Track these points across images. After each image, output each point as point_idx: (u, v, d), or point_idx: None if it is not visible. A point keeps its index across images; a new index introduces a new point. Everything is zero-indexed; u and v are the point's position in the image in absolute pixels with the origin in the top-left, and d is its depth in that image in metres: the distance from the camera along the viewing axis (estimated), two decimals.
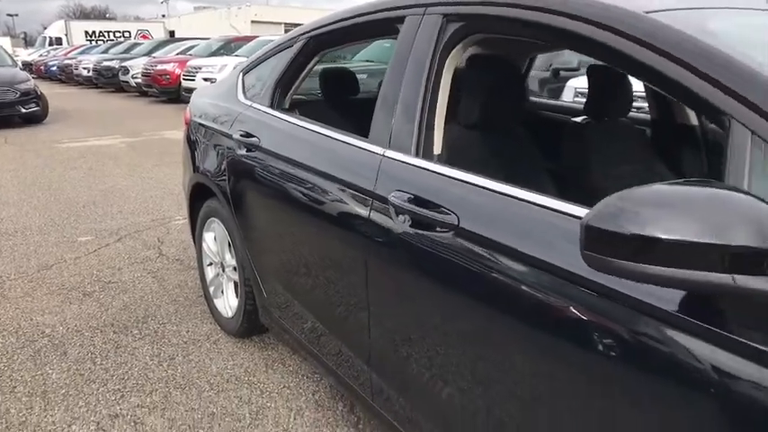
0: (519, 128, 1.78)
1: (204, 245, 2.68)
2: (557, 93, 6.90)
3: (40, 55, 25.65)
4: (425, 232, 1.30)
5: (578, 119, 2.26)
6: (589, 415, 1.00)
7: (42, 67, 22.08)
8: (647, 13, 1.07)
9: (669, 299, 0.86)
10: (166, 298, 2.99)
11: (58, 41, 30.72)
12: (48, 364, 2.36)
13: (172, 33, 33.97)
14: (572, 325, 1.01)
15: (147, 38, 27.95)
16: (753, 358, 0.77)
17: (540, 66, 7.67)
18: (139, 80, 13.82)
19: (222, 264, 2.57)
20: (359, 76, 2.92)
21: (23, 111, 9.25)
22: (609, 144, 2.01)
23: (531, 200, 1.12)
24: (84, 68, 17.59)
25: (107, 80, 16.20)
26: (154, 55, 15.26)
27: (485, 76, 1.67)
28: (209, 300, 2.75)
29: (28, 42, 48.21)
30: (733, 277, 0.71)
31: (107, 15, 68.79)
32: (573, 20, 1.16)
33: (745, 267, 0.71)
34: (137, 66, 14.29)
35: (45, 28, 39.89)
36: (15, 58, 12.64)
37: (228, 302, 2.56)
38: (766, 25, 1.25)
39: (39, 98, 9.57)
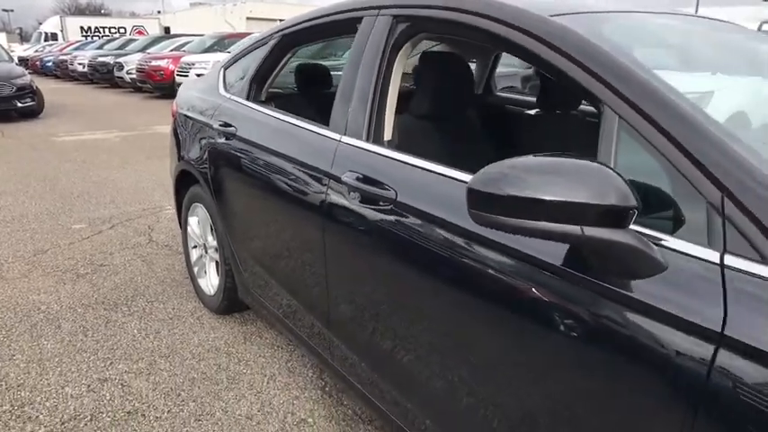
0: (470, 118, 1.98)
1: (189, 228, 2.88)
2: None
3: (36, 50, 25.72)
4: (371, 206, 1.50)
5: (531, 112, 2.46)
6: (503, 352, 1.20)
7: (38, 63, 22.17)
8: (551, 16, 1.27)
9: (549, 251, 1.06)
10: (154, 279, 3.18)
11: (54, 37, 30.77)
12: (43, 336, 2.56)
13: (167, 30, 34.06)
14: (482, 278, 1.20)
15: (143, 34, 28.05)
16: (606, 296, 0.98)
17: (525, 64, 7.84)
18: (134, 76, 13.97)
19: (205, 245, 2.77)
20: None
21: (20, 105, 9.40)
22: (556, 134, 2.21)
23: (454, 176, 1.32)
24: (80, 64, 17.71)
25: (102, 76, 16.33)
26: (148, 51, 15.40)
27: (433, 71, 1.88)
28: (193, 280, 2.94)
29: (23, 38, 48.16)
30: (582, 228, 0.91)
31: (102, 11, 68.68)
32: (493, 21, 1.36)
33: (593, 220, 0.90)
34: (131, 62, 14.43)
35: (40, 24, 39.88)
36: (11, 54, 12.79)
37: (211, 281, 2.75)
38: (658, 26, 1.45)
39: (34, 93, 9.72)
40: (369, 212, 1.50)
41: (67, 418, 1.99)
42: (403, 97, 1.97)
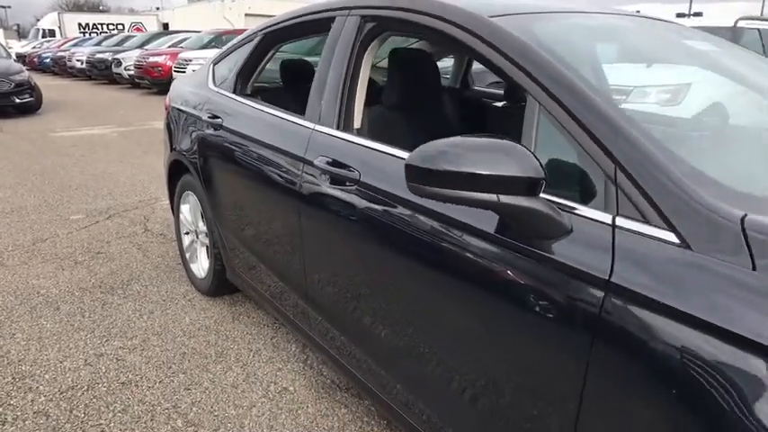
0: (437, 109, 2.14)
1: (181, 215, 3.04)
2: None
3: (34, 47, 25.81)
4: (338, 187, 1.66)
5: (499, 104, 2.62)
6: (451, 307, 1.36)
7: (36, 59, 22.27)
8: (490, 17, 1.43)
9: (481, 219, 1.23)
10: (149, 265, 3.35)
11: (52, 33, 30.85)
12: (42, 317, 2.72)
13: (166, 26, 34.12)
14: (429, 245, 1.37)
15: (141, 30, 28.14)
16: (523, 253, 1.14)
17: None
18: (132, 72, 14.11)
19: (196, 231, 2.93)
20: None
21: (18, 101, 9.54)
22: (518, 123, 2.37)
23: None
24: (78, 60, 17.82)
25: (100, 72, 16.46)
26: (146, 47, 15.53)
27: (400, 67, 2.04)
28: (185, 264, 3.11)
29: (21, 34, 48.14)
30: (498, 196, 1.07)
31: (100, 7, 68.64)
32: (441, 21, 1.52)
33: (508, 189, 1.07)
34: (129, 58, 14.56)
35: (38, 20, 39.94)
36: (9, 50, 12.91)
37: (201, 265, 2.92)
38: (586, 25, 1.61)
39: (33, 89, 9.86)
40: (336, 192, 1.67)
41: (66, 389, 2.16)
42: (377, 90, 2.14)
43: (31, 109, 9.98)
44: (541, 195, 1.11)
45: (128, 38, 19.28)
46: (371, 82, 2.31)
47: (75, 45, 20.83)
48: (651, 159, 1.04)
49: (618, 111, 1.12)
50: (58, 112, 10.34)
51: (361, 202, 1.57)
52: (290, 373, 2.27)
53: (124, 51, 15.80)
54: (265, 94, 2.65)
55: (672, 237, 0.97)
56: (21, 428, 1.93)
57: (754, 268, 0.88)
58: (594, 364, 1.01)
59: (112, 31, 28.80)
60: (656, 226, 1.00)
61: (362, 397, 2.11)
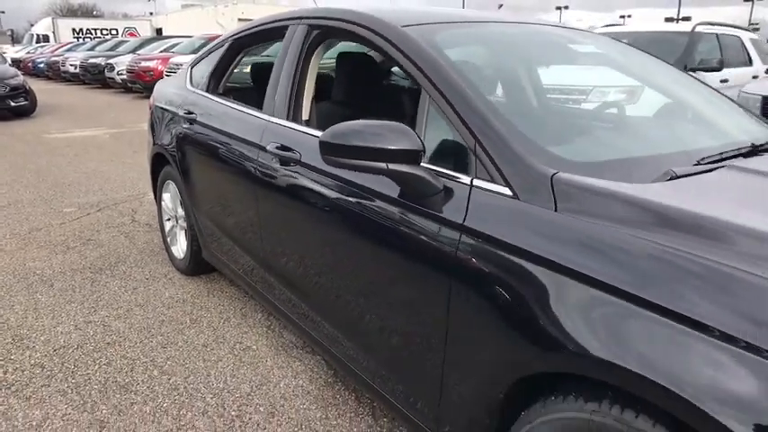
0: (378, 103, 2.48)
1: (163, 203, 3.37)
2: None
3: (28, 52, 26.10)
4: (284, 167, 2.00)
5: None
6: (362, 250, 1.70)
7: (30, 64, 22.55)
8: (402, 26, 1.77)
9: (382, 184, 1.57)
10: (135, 250, 3.67)
11: (46, 39, 31.13)
12: (38, 292, 3.04)
13: (159, 31, 34.42)
14: (350, 209, 1.71)
15: (135, 35, 28.45)
16: (408, 208, 1.48)
17: None
18: (124, 76, 14.42)
19: (176, 217, 3.27)
20: None
21: (13, 104, 9.85)
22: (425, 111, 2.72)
23: None
24: (72, 65, 18.13)
25: (93, 76, 16.76)
26: (138, 52, 15.84)
27: (345, 68, 2.38)
28: (167, 248, 3.44)
29: (15, 39, 48.29)
30: (387, 164, 1.41)
31: (94, 12, 68.96)
32: (364, 29, 1.86)
33: (396, 159, 1.41)
34: (122, 63, 14.88)
35: (32, 25, 40.18)
36: (3, 55, 13.21)
37: (181, 247, 3.25)
38: (486, 33, 1.96)
39: (27, 93, 10.18)
40: (283, 171, 2.01)
41: (58, 347, 2.49)
42: (327, 87, 2.49)
43: (26, 112, 10.29)
44: (424, 165, 1.46)
45: (120, 43, 19.60)
46: (327, 80, 2.67)
47: (68, 50, 21.14)
48: (499, 136, 1.38)
49: (481, 100, 1.47)
50: (53, 115, 10.65)
51: (302, 179, 1.92)
52: (254, 336, 2.60)
53: (117, 56, 16.11)
54: (237, 93, 2.98)
55: (507, 191, 1.32)
56: (20, 377, 2.26)
57: (555, 210, 1.23)
58: (455, 287, 1.35)
59: (106, 36, 29.09)
60: (497, 183, 1.34)
61: (315, 352, 2.44)
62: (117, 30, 33.60)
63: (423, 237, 1.44)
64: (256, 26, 2.59)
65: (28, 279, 3.21)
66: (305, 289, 2.06)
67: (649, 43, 6.67)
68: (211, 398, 2.14)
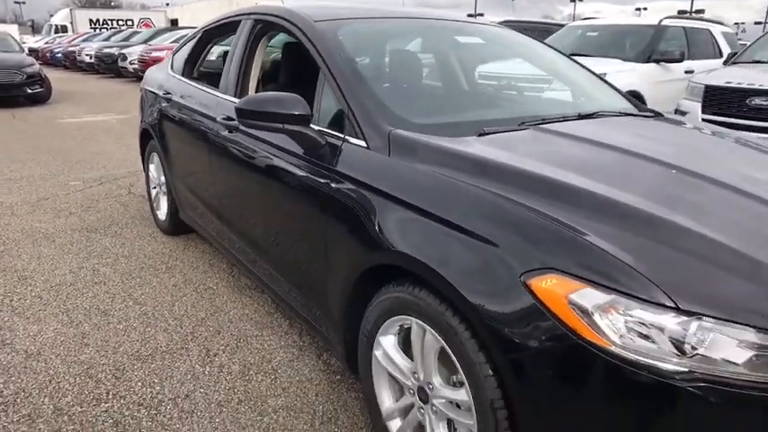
0: (302, 81, 2.95)
1: (150, 173, 3.90)
2: None
3: (46, 42, 26.87)
4: (229, 133, 2.50)
5: None
6: (273, 195, 2.19)
7: (48, 54, 23.30)
8: (315, 21, 2.25)
9: (289, 143, 2.06)
10: (127, 216, 4.21)
11: (64, 29, 31.96)
12: (42, 245, 3.59)
13: (175, 22, 35.06)
14: (266, 163, 2.20)
15: (150, 26, 29.12)
16: (301, 157, 1.97)
17: None
18: (136, 66, 15.04)
19: (159, 184, 3.79)
20: None
21: (29, 91, 10.48)
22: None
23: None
24: (87, 55, 18.80)
25: (107, 66, 17.40)
26: (150, 43, 16.45)
27: (289, 54, 2.87)
28: (153, 212, 3.97)
29: (35, 30, 49.38)
30: (283, 125, 1.91)
31: (112, 3, 70.07)
32: (289, 23, 2.35)
33: (291, 121, 1.90)
34: (134, 53, 15.49)
35: (51, 16, 41.12)
36: (22, 45, 13.88)
37: (163, 210, 3.78)
38: (379, 28, 2.44)
39: (43, 81, 10.80)
40: (226, 136, 2.51)
41: (55, 285, 3.03)
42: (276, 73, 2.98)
43: (41, 99, 10.91)
44: (314, 126, 1.95)
45: (134, 33, 20.22)
46: (279, 66, 3.15)
47: (84, 40, 21.83)
48: (363, 104, 1.87)
49: (356, 79, 1.95)
50: (66, 102, 11.28)
51: (240, 143, 2.42)
52: (216, 279, 3.12)
53: (130, 46, 16.73)
54: (210, 78, 3.49)
55: (363, 144, 1.80)
56: (23, 304, 2.80)
57: (389, 155, 1.71)
58: (329, 212, 1.85)
59: (121, 27, 29.83)
60: (358, 138, 1.83)
61: (264, 291, 2.95)
62: (132, 21, 34.40)
63: (313, 179, 1.94)
64: (220, 20, 3.09)
65: (34, 236, 3.77)
66: (245, 231, 2.56)
67: (621, 35, 7.06)
68: (173, 321, 2.66)
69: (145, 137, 3.85)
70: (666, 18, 6.97)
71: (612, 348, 1.14)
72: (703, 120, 5.01)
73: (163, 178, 3.69)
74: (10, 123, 8.65)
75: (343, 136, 1.89)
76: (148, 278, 3.13)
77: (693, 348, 1.10)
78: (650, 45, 6.58)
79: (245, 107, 1.95)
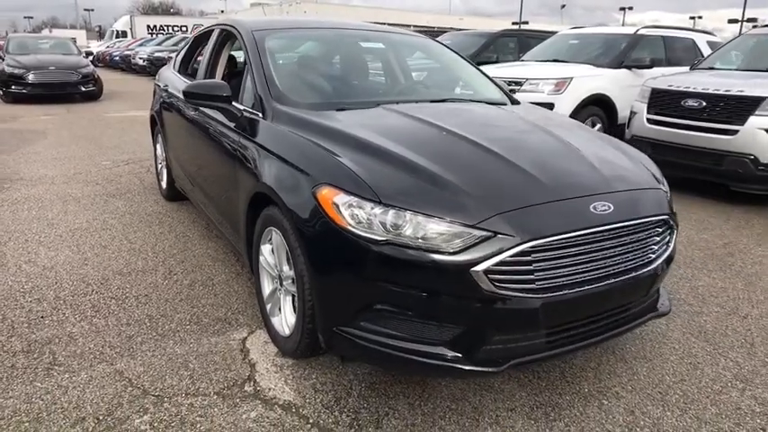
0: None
1: (156, 151, 4.85)
2: None
3: (107, 46, 29.04)
4: (193, 111, 3.37)
5: None
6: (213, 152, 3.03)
7: (107, 57, 25.29)
8: (253, 31, 3.09)
9: (222, 117, 2.90)
10: (141, 187, 5.18)
11: (124, 34, 34.29)
12: (69, 204, 4.58)
13: None
14: (207, 129, 3.04)
15: None
16: (225, 125, 2.81)
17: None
18: None
19: (163, 160, 4.73)
20: None
21: (83, 89, 11.84)
22: None
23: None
24: (141, 59, 20.42)
25: (157, 68, 18.82)
26: None
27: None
28: (159, 183, 4.92)
29: (101, 35, 52.69)
30: (212, 102, 2.75)
31: (171, 10, 73.80)
32: (236, 32, 3.19)
33: (218, 100, 2.74)
34: None
35: (116, 21, 43.94)
36: (87, 49, 15.42)
37: (164, 180, 4.71)
38: (303, 35, 3.25)
39: (95, 80, 12.16)
40: (191, 114, 3.38)
41: (73, 229, 3.98)
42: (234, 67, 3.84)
43: (94, 96, 12.27)
44: (235, 104, 2.79)
45: (184, 38, 21.77)
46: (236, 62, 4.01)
47: (139, 45, 23.58)
48: (264, 89, 2.68)
49: (267, 73, 2.76)
50: (115, 100, 12.61)
51: (198, 117, 3.28)
52: (194, 231, 4.00)
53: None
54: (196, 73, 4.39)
55: (260, 115, 2.62)
56: (47, 239, 3.75)
57: (273, 121, 2.52)
58: (237, 158, 2.67)
59: (176, 32, 31.79)
60: (258, 111, 2.64)
61: (222, 237, 3.80)
62: (187, 26, 36.56)
63: (231, 138, 2.77)
64: (204, 29, 4.00)
65: (65, 199, 4.77)
66: (201, 184, 3.42)
67: (599, 43, 7.64)
68: (152, 253, 3.55)
69: (153, 122, 4.80)
70: (645, 27, 7.50)
71: (351, 228, 1.91)
72: (647, 119, 5.57)
73: (164, 155, 4.62)
74: (64, 116, 9.93)
75: (251, 110, 2.71)
76: (143, 228, 4.04)
77: (392, 227, 1.86)
78: (623, 52, 7.12)
79: (189, 90, 2.81)
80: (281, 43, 3.15)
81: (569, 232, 1.88)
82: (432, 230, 1.84)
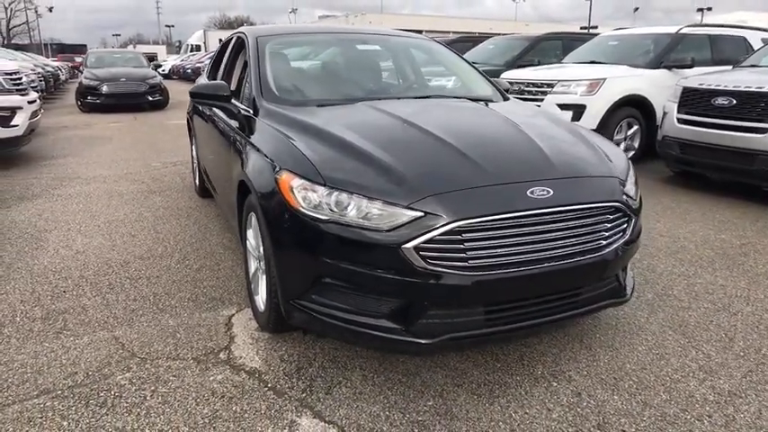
0: None
1: (192, 153, 5.25)
2: None
3: (181, 60, 30.86)
4: (211, 113, 3.68)
5: None
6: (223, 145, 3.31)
7: (180, 70, 26.88)
8: (258, 37, 3.36)
9: (227, 118, 3.18)
10: (181, 185, 5.61)
11: (197, 48, 36.26)
12: (113, 199, 5.05)
13: None
14: (219, 127, 3.33)
15: None
16: (226, 122, 3.08)
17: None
18: None
19: (195, 160, 5.11)
20: None
21: (150, 99, 12.75)
22: None
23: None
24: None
25: None
26: None
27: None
28: (194, 181, 5.31)
29: (179, 50, 55.85)
30: (215, 101, 3.04)
31: (245, 24, 77.34)
32: (245, 38, 3.48)
33: (220, 98, 3.03)
34: None
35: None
36: (163, 62, 16.51)
37: (197, 180, 5.09)
38: (301, 40, 3.48)
39: (162, 91, 13.04)
40: (209, 113, 3.70)
41: (111, 220, 4.40)
42: None
43: (160, 105, 13.17)
44: (235, 102, 3.06)
45: None
46: None
47: (209, 58, 24.92)
48: (258, 89, 2.93)
49: (263, 74, 3.01)
50: (179, 109, 13.44)
51: (214, 117, 3.59)
52: (215, 223, 4.33)
53: None
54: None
55: (253, 112, 2.87)
56: (86, 228, 4.18)
57: (261, 117, 2.77)
58: (234, 145, 2.93)
59: None
60: (252, 109, 2.89)
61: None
62: None
63: (229, 132, 3.04)
64: (228, 37, 4.33)
65: (111, 194, 5.25)
66: (212, 177, 3.72)
67: (638, 43, 7.47)
68: (173, 241, 3.89)
69: (188, 126, 5.20)
70: (688, 26, 7.26)
71: (301, 209, 2.10)
72: (678, 119, 5.43)
73: (195, 154, 5.00)
74: (129, 123, 10.75)
75: (246, 108, 2.97)
76: (171, 220, 4.41)
77: (336, 207, 2.04)
78: (663, 52, 6.94)
79: (194, 90, 3.11)
80: (280, 48, 3.40)
81: (499, 214, 1.98)
82: (371, 210, 2.00)
